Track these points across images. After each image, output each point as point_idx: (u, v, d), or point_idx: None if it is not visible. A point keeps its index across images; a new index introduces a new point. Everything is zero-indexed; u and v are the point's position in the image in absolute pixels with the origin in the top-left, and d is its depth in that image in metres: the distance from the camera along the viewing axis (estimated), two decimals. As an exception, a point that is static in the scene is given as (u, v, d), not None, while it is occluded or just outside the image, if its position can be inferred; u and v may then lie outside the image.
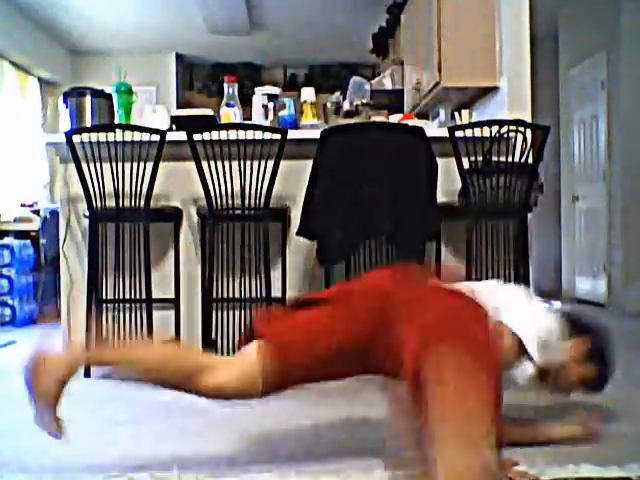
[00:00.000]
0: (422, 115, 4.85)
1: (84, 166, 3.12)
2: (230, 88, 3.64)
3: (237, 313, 3.24)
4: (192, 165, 3.11)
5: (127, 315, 3.27)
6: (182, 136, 3.20)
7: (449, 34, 4.18)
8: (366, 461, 1.91)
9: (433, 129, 3.71)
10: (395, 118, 4.05)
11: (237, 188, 3.12)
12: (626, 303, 5.43)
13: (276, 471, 1.84)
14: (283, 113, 3.67)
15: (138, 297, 3.25)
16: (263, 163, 3.08)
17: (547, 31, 6.61)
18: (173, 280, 3.54)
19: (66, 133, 3.17)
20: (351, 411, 2.50)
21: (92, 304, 3.22)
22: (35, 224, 5.52)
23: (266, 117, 3.64)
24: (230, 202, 3.14)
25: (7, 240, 5.24)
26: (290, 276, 3.57)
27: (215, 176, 3.09)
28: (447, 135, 3.18)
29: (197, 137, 3.09)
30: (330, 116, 3.90)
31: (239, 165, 3.08)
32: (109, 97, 3.58)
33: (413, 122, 3.80)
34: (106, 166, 3.11)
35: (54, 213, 5.24)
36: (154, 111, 3.63)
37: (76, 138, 3.13)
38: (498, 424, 1.49)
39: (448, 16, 4.19)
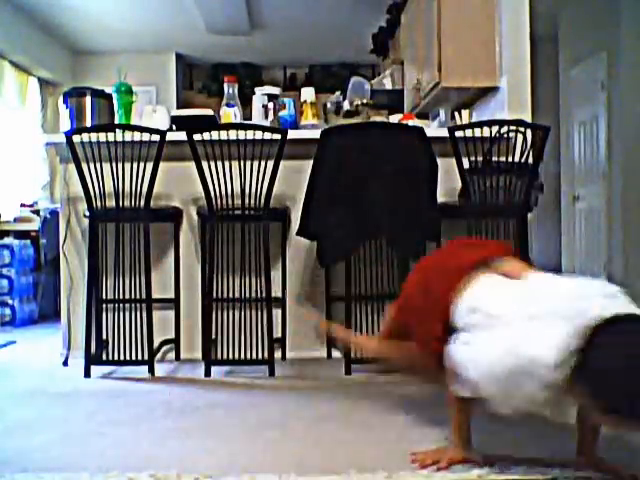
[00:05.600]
0: (422, 115, 4.85)
1: (84, 166, 3.11)
2: (230, 88, 3.65)
3: (237, 313, 3.23)
4: (192, 165, 3.12)
5: (127, 315, 3.27)
6: (182, 136, 3.21)
7: (449, 34, 4.17)
8: (366, 461, 1.91)
9: (433, 129, 3.71)
10: (395, 118, 4.05)
11: (237, 188, 3.12)
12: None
13: (276, 471, 1.84)
14: (283, 113, 3.67)
15: (138, 297, 3.25)
16: (263, 163, 3.08)
17: (547, 31, 6.61)
18: (173, 280, 3.54)
19: (66, 133, 3.17)
20: (351, 411, 2.50)
21: (92, 304, 3.22)
22: (35, 224, 5.52)
23: (266, 117, 3.64)
24: (230, 202, 3.14)
25: (7, 240, 5.23)
26: (290, 276, 3.57)
27: (215, 176, 3.09)
28: (447, 135, 3.18)
29: (197, 137, 3.09)
30: (330, 116, 3.90)
31: (239, 165, 3.08)
32: (109, 97, 3.58)
33: (413, 122, 3.80)
34: (106, 166, 3.11)
35: (54, 213, 5.24)
36: (154, 111, 3.63)
37: (76, 138, 3.12)
38: None
39: (448, 16, 4.19)
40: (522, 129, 3.14)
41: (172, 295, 3.54)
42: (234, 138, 3.09)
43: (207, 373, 3.11)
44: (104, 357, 3.31)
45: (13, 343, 4.31)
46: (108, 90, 3.62)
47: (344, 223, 3.07)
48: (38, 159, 6.99)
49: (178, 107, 7.95)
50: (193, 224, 3.61)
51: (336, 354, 3.54)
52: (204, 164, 3.08)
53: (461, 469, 1.83)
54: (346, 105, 3.91)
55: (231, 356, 3.21)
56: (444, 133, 3.26)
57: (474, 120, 4.34)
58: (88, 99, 3.51)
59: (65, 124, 3.51)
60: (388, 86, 5.65)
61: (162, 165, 3.17)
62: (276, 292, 3.45)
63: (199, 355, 3.50)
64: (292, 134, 3.29)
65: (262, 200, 3.13)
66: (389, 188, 3.05)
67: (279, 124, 3.60)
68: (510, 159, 3.22)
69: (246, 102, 3.86)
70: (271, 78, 8.52)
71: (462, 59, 4.10)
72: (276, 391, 2.87)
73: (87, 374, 3.13)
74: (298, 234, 3.21)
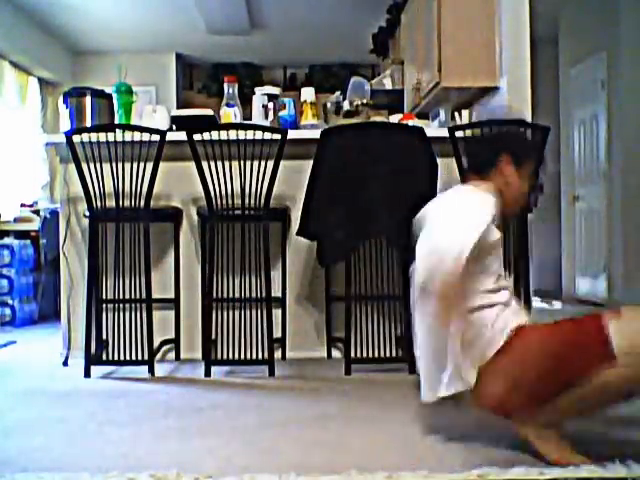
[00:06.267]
0: (422, 115, 4.85)
1: (84, 166, 3.11)
2: (230, 88, 3.65)
3: (237, 313, 3.24)
4: (192, 165, 3.12)
5: (127, 315, 3.27)
6: (182, 136, 3.21)
7: (449, 34, 4.18)
8: (366, 461, 1.91)
9: (433, 129, 3.71)
10: (395, 118, 4.05)
11: (237, 188, 3.12)
12: (626, 303, 5.42)
13: (276, 471, 1.84)
14: (283, 113, 3.67)
15: (138, 297, 3.25)
16: (263, 163, 3.08)
17: (547, 31, 6.61)
18: (173, 280, 3.54)
19: (66, 133, 3.17)
20: (351, 410, 2.50)
21: (92, 304, 3.22)
22: (35, 224, 5.52)
23: (266, 117, 3.64)
24: (230, 202, 3.14)
25: (7, 240, 5.24)
26: (290, 276, 3.57)
27: (215, 176, 3.09)
28: (447, 135, 3.18)
29: (197, 137, 3.09)
30: (330, 116, 3.90)
31: (239, 165, 3.08)
32: (109, 97, 3.58)
33: (413, 122, 3.80)
34: (106, 166, 3.12)
35: (54, 213, 5.24)
36: (154, 111, 3.63)
37: (76, 138, 3.13)
38: None
39: (448, 16, 4.19)
40: (522, 129, 3.13)
41: (172, 295, 3.54)
42: (234, 138, 3.09)
43: (207, 373, 3.11)
44: (104, 357, 3.31)
45: (13, 343, 4.31)
46: (108, 90, 3.62)
47: (344, 223, 3.07)
48: (38, 159, 6.99)
49: (178, 107, 7.94)
50: (193, 224, 3.61)
51: (336, 354, 3.54)
52: (204, 164, 3.08)
53: (461, 469, 1.83)
54: (346, 105, 3.91)
55: (231, 356, 3.21)
56: (444, 133, 3.26)
57: (474, 120, 4.34)
58: (88, 99, 3.51)
59: (65, 124, 3.51)
60: (388, 86, 5.65)
61: (162, 165, 3.17)
62: (276, 292, 3.46)
63: (199, 355, 3.50)
64: (292, 134, 3.29)
65: (262, 200, 3.13)
66: (389, 188, 3.05)
67: (279, 124, 3.60)
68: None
69: (246, 102, 3.86)
70: (271, 78, 8.52)
71: (462, 59, 4.10)
72: (276, 391, 2.87)
73: (87, 374, 3.13)
74: (298, 234, 3.21)
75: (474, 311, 1.94)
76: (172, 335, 3.54)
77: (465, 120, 4.44)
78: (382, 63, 6.92)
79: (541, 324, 1.97)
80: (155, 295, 3.36)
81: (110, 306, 3.34)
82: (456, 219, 1.95)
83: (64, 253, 3.58)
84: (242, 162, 3.08)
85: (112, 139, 3.09)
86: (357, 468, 1.84)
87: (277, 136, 3.13)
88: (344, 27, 7.27)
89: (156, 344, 3.35)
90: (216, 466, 1.90)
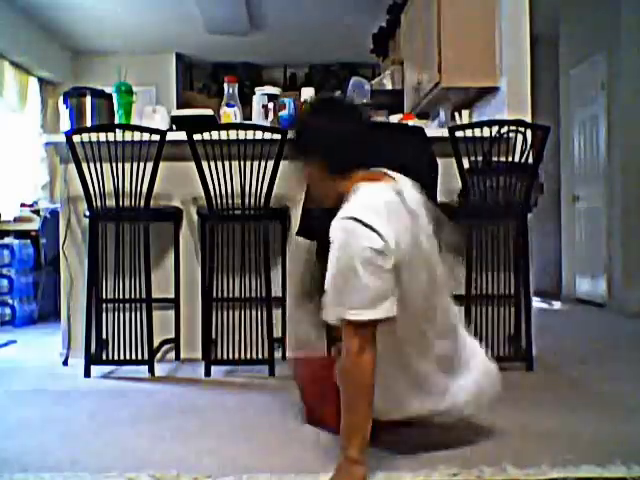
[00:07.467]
0: (422, 115, 4.85)
1: (84, 166, 3.12)
2: (230, 88, 3.65)
3: (237, 313, 3.24)
4: (192, 165, 3.12)
5: (127, 315, 3.27)
6: (182, 136, 3.21)
7: (449, 34, 4.17)
8: (367, 460, 1.91)
9: (433, 129, 3.71)
10: (395, 118, 4.05)
11: (237, 188, 3.12)
12: (626, 303, 5.43)
13: (276, 471, 1.84)
14: (283, 113, 3.67)
15: (138, 297, 3.25)
16: (263, 163, 3.08)
17: (547, 31, 6.61)
18: (173, 280, 3.54)
19: (66, 133, 3.17)
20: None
21: (92, 304, 3.22)
22: (35, 224, 5.52)
23: (266, 117, 3.64)
24: (230, 202, 3.14)
25: (7, 240, 5.24)
26: (290, 276, 3.57)
27: (215, 176, 3.09)
28: (447, 135, 3.18)
29: (197, 137, 3.09)
30: (330, 116, 3.89)
31: (239, 165, 3.08)
32: (109, 97, 3.58)
33: (413, 122, 3.80)
34: (106, 166, 3.12)
35: (54, 213, 5.24)
36: (154, 111, 3.63)
37: (76, 138, 3.13)
38: None
39: (448, 16, 4.19)
40: (522, 129, 3.14)
41: (172, 295, 3.54)
42: (234, 138, 3.09)
43: (207, 373, 3.11)
44: (104, 357, 3.31)
45: (13, 343, 4.32)
46: (108, 90, 3.62)
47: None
48: (38, 159, 6.99)
49: (178, 107, 7.94)
50: (193, 224, 3.61)
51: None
52: (204, 164, 3.08)
53: (461, 467, 1.83)
54: (346, 105, 3.90)
55: (231, 356, 3.21)
56: (444, 133, 3.26)
57: (474, 120, 4.34)
58: (88, 99, 3.51)
59: (65, 124, 3.51)
60: (388, 86, 5.65)
61: (162, 165, 3.17)
62: (276, 292, 3.45)
63: (199, 355, 3.50)
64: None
65: (262, 200, 3.13)
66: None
67: (279, 124, 3.60)
68: (510, 159, 3.22)
69: (246, 102, 3.86)
70: (271, 78, 8.52)
71: (462, 59, 4.10)
72: (276, 391, 2.87)
73: (87, 374, 3.13)
74: (298, 234, 3.20)
75: None
76: (172, 335, 3.54)
77: (465, 120, 4.44)
78: (382, 63, 6.92)
79: None
80: (155, 295, 3.36)
81: (110, 306, 3.34)
82: None
83: (64, 253, 3.59)
84: (242, 162, 3.08)
85: (112, 139, 3.09)
86: (357, 468, 1.84)
87: (277, 136, 3.13)
88: (344, 27, 7.26)
89: (156, 344, 3.35)
90: (216, 466, 1.90)
